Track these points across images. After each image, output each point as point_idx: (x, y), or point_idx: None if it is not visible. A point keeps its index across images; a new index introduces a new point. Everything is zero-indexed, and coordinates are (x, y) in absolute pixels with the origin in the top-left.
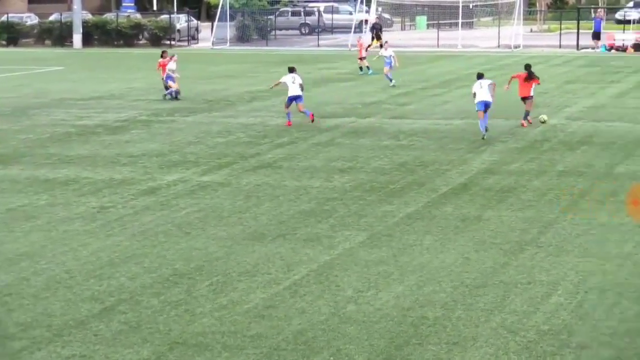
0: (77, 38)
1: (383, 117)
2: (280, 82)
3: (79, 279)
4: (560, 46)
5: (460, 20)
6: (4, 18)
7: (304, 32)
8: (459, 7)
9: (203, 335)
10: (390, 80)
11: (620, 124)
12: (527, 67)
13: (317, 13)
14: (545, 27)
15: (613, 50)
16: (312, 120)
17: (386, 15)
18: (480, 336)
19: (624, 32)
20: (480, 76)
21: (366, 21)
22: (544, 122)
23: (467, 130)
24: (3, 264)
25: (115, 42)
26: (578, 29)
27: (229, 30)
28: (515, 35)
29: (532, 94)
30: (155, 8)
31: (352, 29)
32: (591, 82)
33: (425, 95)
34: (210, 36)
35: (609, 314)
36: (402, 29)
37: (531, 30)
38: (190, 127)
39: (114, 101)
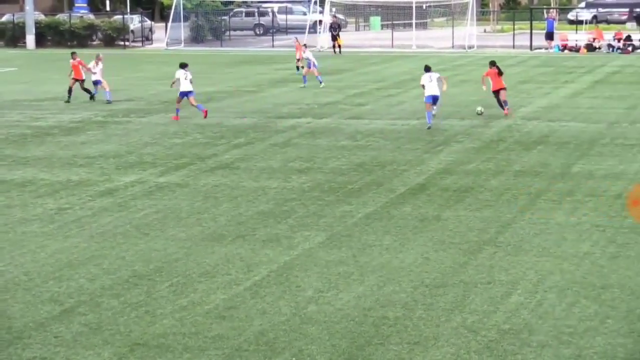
0: (30, 39)
1: (339, 118)
2: (175, 80)
3: (37, 281)
4: (513, 46)
5: (414, 21)
6: None
7: (258, 32)
8: (412, 7)
9: (164, 336)
10: (320, 82)
11: (575, 124)
12: (493, 63)
13: (271, 14)
14: (499, 27)
15: (566, 51)
16: (205, 117)
17: (340, 16)
18: (441, 336)
19: (576, 33)
20: (427, 69)
21: (320, 22)
22: (480, 113)
23: (423, 131)
24: None
25: (69, 43)
26: (531, 30)
27: (183, 30)
28: (469, 36)
29: (505, 85)
30: (108, 9)
31: (307, 30)
32: (545, 82)
33: (381, 96)
34: (164, 37)
35: (568, 312)
36: (356, 30)
37: (485, 31)
38: (146, 128)
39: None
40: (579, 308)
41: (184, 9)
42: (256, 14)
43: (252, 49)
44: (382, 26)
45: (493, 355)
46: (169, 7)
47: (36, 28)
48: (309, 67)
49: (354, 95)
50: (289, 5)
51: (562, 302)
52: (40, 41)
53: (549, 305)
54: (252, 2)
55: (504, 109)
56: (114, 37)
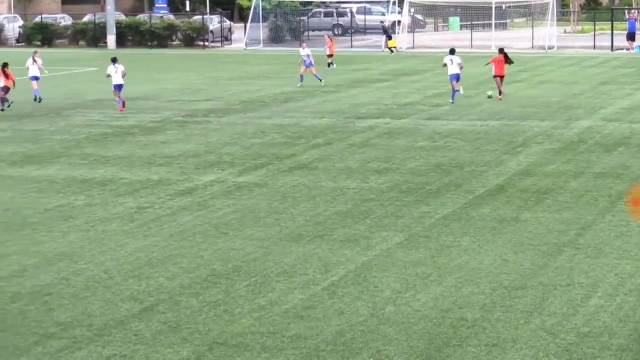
0: (110, 39)
1: (418, 118)
2: (108, 74)
3: (117, 279)
4: (594, 47)
5: (493, 21)
6: (37, 19)
7: (336, 32)
8: (492, 7)
9: (242, 335)
10: (320, 80)
11: None
12: (502, 50)
13: (349, 14)
14: (579, 28)
15: None
16: (122, 110)
17: (419, 16)
18: (519, 338)
19: None
20: (452, 52)
21: (399, 22)
22: (490, 97)
23: (502, 132)
24: (42, 264)
25: (149, 43)
26: (612, 30)
27: (261, 31)
28: (549, 36)
29: (505, 73)
30: (188, 9)
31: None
32: (626, 84)
33: (459, 96)
34: (243, 37)
35: None
36: (435, 30)
37: (565, 31)
38: (225, 128)
39: (149, 102)
40: None
41: (263, 9)
42: (335, 14)
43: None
44: (461, 26)
45: (572, 358)
46: (248, 7)
47: (117, 28)
48: (306, 66)
49: (432, 96)
50: (368, 5)
51: None
52: (120, 41)
53: (630, 309)
54: (330, 2)
55: (500, 94)
56: (194, 38)
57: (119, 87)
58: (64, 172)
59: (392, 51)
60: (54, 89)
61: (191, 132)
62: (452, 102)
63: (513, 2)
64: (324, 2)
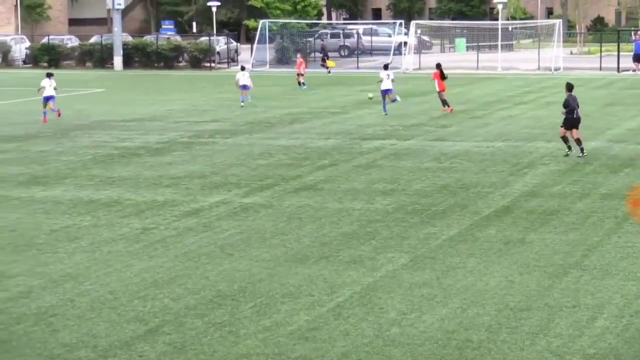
0: (117, 60)
1: (424, 139)
2: (41, 87)
3: (123, 300)
4: (600, 68)
5: (499, 43)
6: (44, 40)
7: (343, 54)
8: (498, 29)
9: (247, 356)
10: (242, 102)
11: None
12: (438, 66)
13: (356, 35)
14: (586, 49)
15: None
16: (59, 115)
17: (425, 38)
18: None
19: None
20: (386, 67)
21: (405, 43)
22: (371, 98)
23: (508, 153)
24: (48, 285)
25: (156, 64)
26: (618, 51)
27: (268, 52)
28: (555, 58)
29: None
30: (195, 30)
31: (392, 51)
32: (633, 105)
33: (465, 118)
34: (250, 58)
35: None
36: (441, 51)
37: (571, 53)
38: (231, 149)
39: (155, 123)
40: None
41: (269, 30)
42: (341, 35)
43: (337, 70)
44: (468, 48)
45: None
46: (255, 29)
47: (124, 49)
48: (244, 89)
49: (438, 117)
50: (374, 27)
51: None
52: (127, 62)
53: (636, 330)
54: (337, 23)
55: (447, 107)
56: (200, 59)
57: (50, 98)
58: (70, 193)
59: (329, 72)
60: (60, 110)
61: (197, 153)
62: (386, 114)
63: (519, 23)
64: (331, 24)
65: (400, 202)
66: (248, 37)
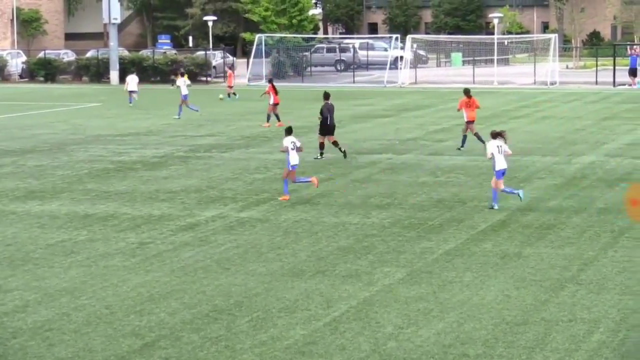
0: (114, 74)
1: (420, 154)
2: None
3: (119, 315)
4: (596, 83)
5: (495, 57)
6: (41, 54)
7: (339, 68)
8: (494, 43)
9: None
10: (178, 116)
11: None
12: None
13: (352, 49)
14: (581, 63)
15: None
16: None
17: (421, 52)
18: None
19: None
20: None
21: (401, 57)
22: (221, 99)
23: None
24: (44, 299)
25: (152, 79)
26: (614, 66)
27: (264, 66)
28: (551, 72)
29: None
30: (191, 45)
31: (388, 66)
32: (629, 119)
33: (462, 132)
34: (246, 72)
35: None
36: (437, 66)
37: (567, 67)
38: (227, 163)
39: (151, 137)
40: None
41: (265, 45)
42: (337, 49)
43: (333, 84)
44: (464, 62)
45: None
46: (251, 42)
47: (120, 64)
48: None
49: (434, 132)
50: (371, 41)
51: None
52: (124, 77)
53: (632, 344)
54: (333, 38)
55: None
56: (197, 73)
57: None
58: (66, 207)
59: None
60: (56, 124)
61: (193, 167)
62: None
63: (515, 38)
64: (327, 38)
65: (397, 216)
66: (244, 51)
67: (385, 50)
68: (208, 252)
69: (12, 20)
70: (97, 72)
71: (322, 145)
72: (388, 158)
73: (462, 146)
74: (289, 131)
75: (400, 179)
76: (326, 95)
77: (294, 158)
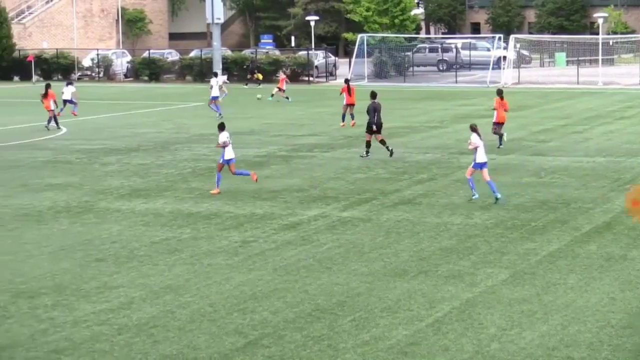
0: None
1: (523, 154)
2: None
3: (222, 313)
4: None
5: (600, 57)
6: (145, 54)
7: (441, 68)
8: (598, 43)
9: None
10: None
11: None
12: (500, 92)
13: (454, 49)
14: None
15: None
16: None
17: (525, 52)
18: None
19: None
20: (216, 73)
21: (504, 57)
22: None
23: (609, 168)
24: (148, 297)
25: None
26: None
27: (366, 66)
28: None
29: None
30: (293, 44)
31: (490, 66)
32: None
33: (566, 133)
34: (348, 72)
35: None
36: (541, 66)
37: None
38: (329, 163)
39: (253, 136)
40: None
41: (367, 44)
42: (439, 49)
43: (435, 84)
44: (568, 62)
45: None
46: (353, 42)
47: (223, 63)
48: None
49: (538, 132)
50: (473, 41)
51: None
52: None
53: None
54: (435, 37)
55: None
56: (299, 73)
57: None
58: (170, 205)
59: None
60: (160, 123)
61: (296, 167)
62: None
63: (620, 37)
64: (429, 38)
65: (500, 217)
66: (346, 51)
67: (488, 50)
68: (310, 251)
69: (117, 21)
70: (200, 71)
71: (368, 144)
72: (491, 159)
73: (500, 144)
74: (222, 127)
75: (503, 179)
76: (373, 95)
77: (229, 152)
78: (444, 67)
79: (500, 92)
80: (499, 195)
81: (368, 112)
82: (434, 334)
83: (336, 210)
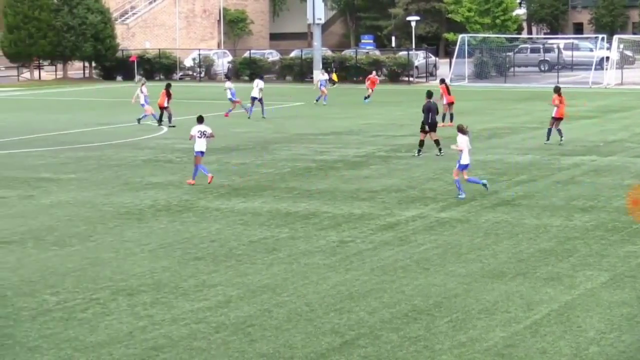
0: (317, 74)
1: (626, 156)
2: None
3: (319, 312)
4: None
5: None
6: (246, 54)
7: (543, 69)
8: None
9: None
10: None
11: None
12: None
13: (556, 50)
14: None
15: None
16: None
17: (628, 53)
18: None
19: None
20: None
21: (607, 58)
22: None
23: None
24: (246, 295)
25: (354, 78)
26: None
27: (467, 66)
28: None
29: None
30: (394, 45)
31: (593, 66)
32: None
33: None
34: (448, 73)
35: None
36: None
37: None
38: (428, 163)
39: (352, 137)
40: None
41: (468, 45)
42: (541, 50)
43: (536, 85)
44: None
45: None
46: (454, 43)
47: (323, 63)
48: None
49: None
50: (575, 41)
51: None
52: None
53: None
54: (537, 38)
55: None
56: (399, 73)
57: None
58: (268, 205)
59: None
60: (260, 123)
61: (394, 167)
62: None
63: None
64: (531, 38)
65: (600, 219)
66: (447, 51)
67: (591, 50)
68: (408, 252)
69: (218, 21)
70: (300, 71)
71: (421, 143)
72: (592, 160)
73: (547, 139)
74: (200, 120)
75: (604, 181)
76: (428, 94)
77: (199, 145)
78: (546, 68)
79: (557, 89)
80: (484, 182)
81: (423, 111)
82: (531, 337)
83: (434, 210)
